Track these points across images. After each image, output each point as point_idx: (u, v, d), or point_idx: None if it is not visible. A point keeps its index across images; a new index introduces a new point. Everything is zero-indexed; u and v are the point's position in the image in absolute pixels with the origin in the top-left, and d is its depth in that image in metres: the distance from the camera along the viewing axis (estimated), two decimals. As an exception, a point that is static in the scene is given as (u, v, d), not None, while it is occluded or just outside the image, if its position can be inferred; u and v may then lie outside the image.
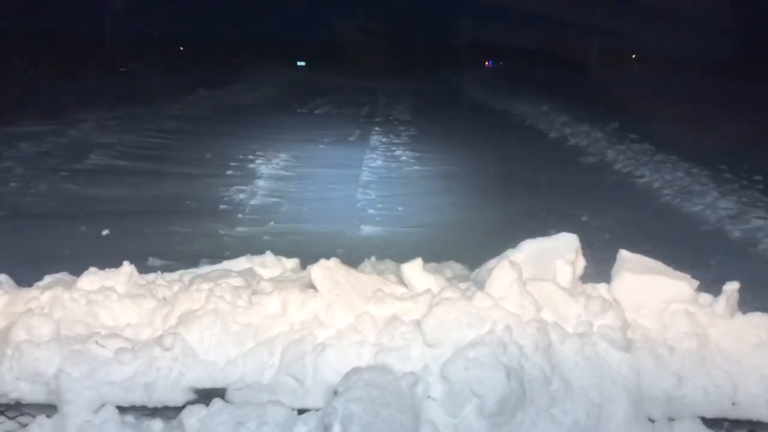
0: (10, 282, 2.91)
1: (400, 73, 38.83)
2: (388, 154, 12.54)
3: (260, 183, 9.30)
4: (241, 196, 8.43)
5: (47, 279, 2.98)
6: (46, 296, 2.65)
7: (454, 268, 3.67)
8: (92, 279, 2.79)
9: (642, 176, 10.27)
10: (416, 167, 11.16)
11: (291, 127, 15.68)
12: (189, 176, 9.80)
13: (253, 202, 8.13)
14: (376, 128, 16.19)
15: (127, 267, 2.86)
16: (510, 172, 10.70)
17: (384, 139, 14.36)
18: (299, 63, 44.94)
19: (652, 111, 17.29)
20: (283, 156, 11.50)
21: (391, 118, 18.96)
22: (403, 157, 12.08)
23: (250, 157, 11.31)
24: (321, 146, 13.20)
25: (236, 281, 2.82)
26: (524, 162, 11.88)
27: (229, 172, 10.10)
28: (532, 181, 10.02)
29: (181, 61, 38.40)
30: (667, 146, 11.97)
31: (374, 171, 10.72)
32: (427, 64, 43.78)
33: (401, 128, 16.40)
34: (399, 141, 14.21)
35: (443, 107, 23.00)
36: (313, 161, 11.45)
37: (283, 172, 10.27)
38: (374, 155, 12.27)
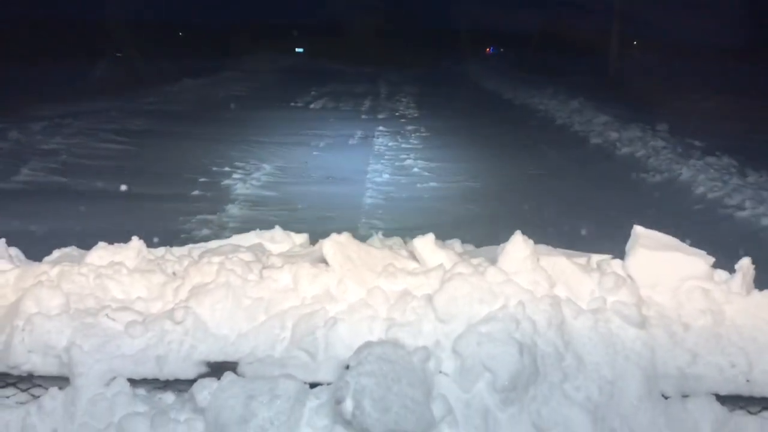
0: (21, 256, 2.91)
1: (401, 60, 36.90)
2: (397, 164, 10.55)
3: (233, 210, 7.50)
4: (204, 231, 6.58)
5: (56, 253, 2.97)
6: (55, 270, 2.64)
7: (456, 247, 3.61)
8: (101, 254, 2.78)
9: (741, 207, 7.48)
10: (432, 183, 9.24)
11: (281, 127, 13.81)
12: (141, 199, 7.71)
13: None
14: (380, 128, 14.30)
15: (136, 242, 2.84)
16: (555, 192, 8.36)
17: (390, 143, 12.51)
18: (297, 49, 42.96)
19: (699, 108, 15.36)
20: (266, 168, 9.66)
21: (397, 114, 17.05)
22: (415, 169, 10.16)
23: (227, 169, 9.38)
24: (315, 152, 11.35)
25: (246, 256, 2.81)
26: (569, 177, 9.46)
27: (196, 192, 8.16)
28: (594, 213, 7.35)
29: (178, 46, 35.81)
30: (755, 161, 9.26)
31: (380, 190, 8.72)
32: (429, 50, 41.78)
33: (409, 128, 14.46)
34: (408, 145, 12.37)
35: (454, 100, 20.68)
36: (303, 175, 9.47)
37: (265, 193, 8.37)
38: (379, 165, 10.35)
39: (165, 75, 21.30)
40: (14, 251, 2.88)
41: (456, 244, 3.30)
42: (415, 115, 17.12)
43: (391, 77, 28.86)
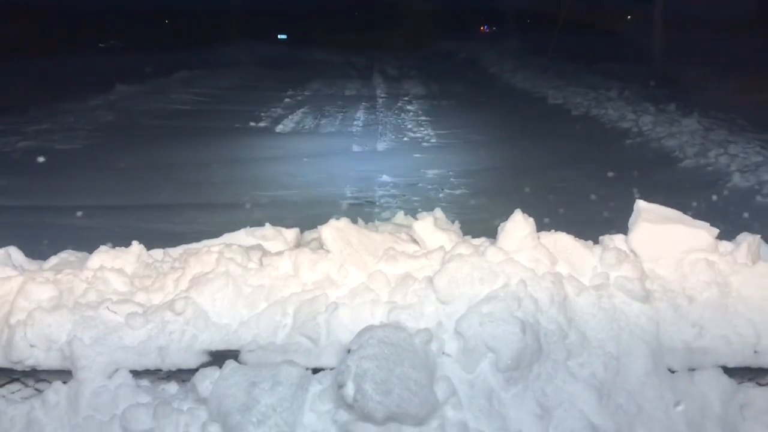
0: (25, 260, 2.86)
1: (394, 45, 32.22)
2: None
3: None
4: None
5: (53, 260, 2.90)
6: (57, 277, 2.60)
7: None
8: (102, 257, 2.72)
9: None
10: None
11: (209, 186, 7.67)
12: None
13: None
14: (384, 179, 8.07)
15: (137, 247, 2.78)
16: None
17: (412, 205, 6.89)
18: (280, 35, 38.26)
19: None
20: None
21: (406, 140, 10.75)
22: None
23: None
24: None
25: (248, 241, 2.80)
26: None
27: None
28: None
29: (159, 35, 32.73)
30: None
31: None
32: (426, 31, 37.76)
33: (434, 176, 8.29)
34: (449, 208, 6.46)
35: (479, 108, 14.38)
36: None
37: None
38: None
39: (99, 79, 16.01)
40: (19, 257, 2.85)
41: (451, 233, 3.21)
42: (436, 142, 10.69)
43: (387, 70, 23.88)
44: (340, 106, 14.88)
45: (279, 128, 12.01)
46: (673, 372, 2.34)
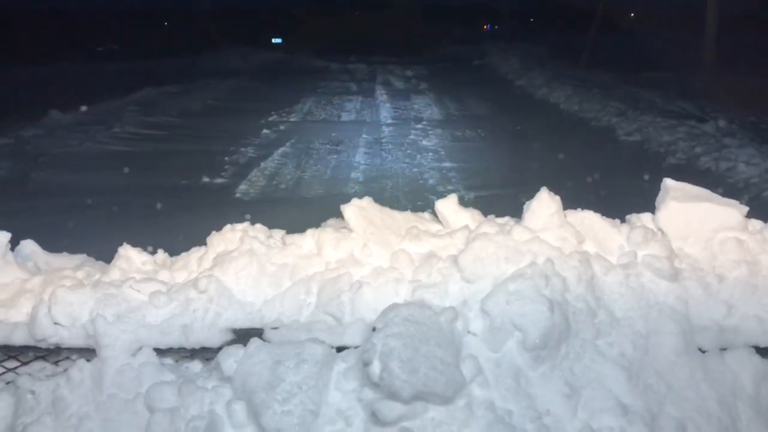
0: (41, 256, 2.80)
1: (397, 48, 29.35)
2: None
3: None
4: None
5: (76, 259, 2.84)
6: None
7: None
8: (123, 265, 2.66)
9: None
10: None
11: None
12: None
13: None
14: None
15: (162, 255, 2.71)
16: None
17: None
18: (275, 39, 35.33)
19: None
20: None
21: (433, 193, 7.71)
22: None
23: None
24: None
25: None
26: None
27: None
28: None
29: (157, 38, 31.07)
30: None
31: None
32: (430, 32, 34.86)
33: None
34: None
35: (517, 138, 11.34)
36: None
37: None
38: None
39: (38, 100, 13.35)
40: (33, 247, 2.82)
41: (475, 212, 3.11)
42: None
43: (392, 81, 20.48)
44: (334, 141, 11.06)
45: (241, 189, 8.13)
46: (703, 352, 2.30)
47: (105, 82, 16.83)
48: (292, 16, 39.17)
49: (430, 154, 10.07)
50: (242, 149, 10.39)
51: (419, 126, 12.70)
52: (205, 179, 8.46)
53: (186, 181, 8.42)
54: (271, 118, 13.48)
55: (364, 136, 11.66)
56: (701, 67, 17.33)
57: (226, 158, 9.70)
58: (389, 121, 13.49)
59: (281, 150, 10.36)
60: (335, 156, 10.01)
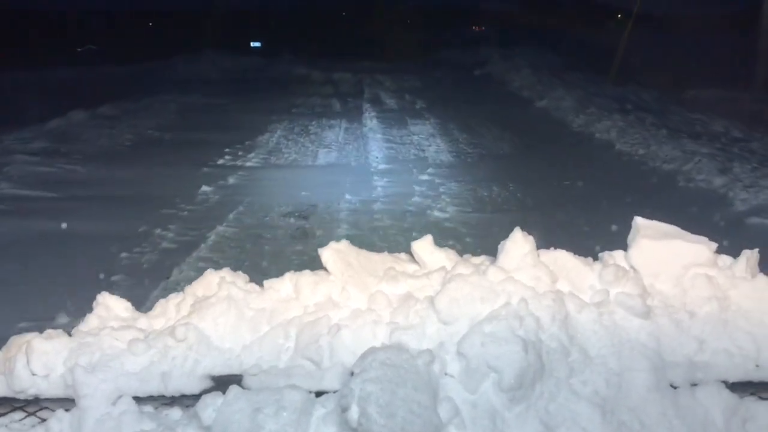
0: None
1: (386, 53, 26.28)
2: None
3: None
4: None
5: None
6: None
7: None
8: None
9: None
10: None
11: None
12: None
13: None
14: None
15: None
16: None
17: None
18: (253, 43, 32.77)
19: None
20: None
21: None
22: None
23: None
24: None
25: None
26: None
27: None
28: None
29: (139, 40, 28.45)
30: None
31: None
32: (417, 36, 31.48)
33: None
34: None
35: (573, 204, 7.46)
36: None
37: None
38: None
39: None
40: None
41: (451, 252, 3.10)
42: None
43: (383, 97, 17.25)
44: (302, 211, 7.32)
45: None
46: (675, 387, 2.34)
47: (43, 98, 14.34)
48: (274, 18, 36.15)
49: (450, 241, 6.03)
50: (156, 234, 6.40)
51: (424, 177, 8.98)
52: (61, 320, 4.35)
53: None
54: (221, 161, 9.97)
55: (347, 197, 7.96)
56: (752, 82, 14.51)
57: (122, 255, 5.86)
58: (382, 166, 9.84)
59: (217, 233, 6.49)
60: (300, 247, 6.17)
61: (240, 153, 10.64)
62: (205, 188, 8.23)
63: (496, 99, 16.67)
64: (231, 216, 7.14)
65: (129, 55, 22.98)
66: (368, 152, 10.99)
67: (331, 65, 23.27)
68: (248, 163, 10.07)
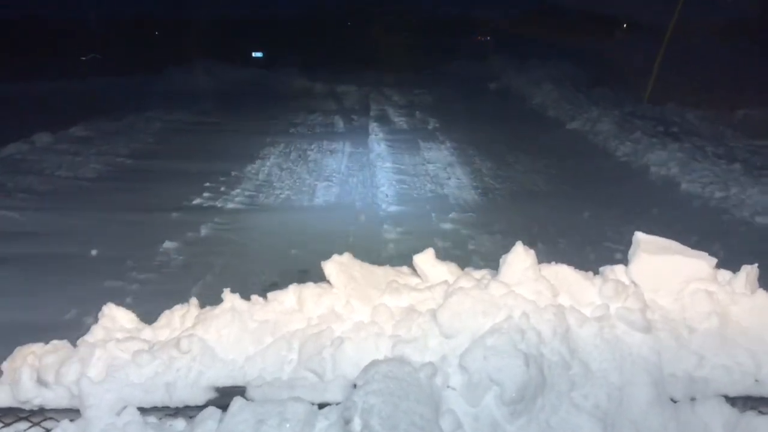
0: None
1: (393, 63, 24.90)
2: None
3: None
4: None
5: None
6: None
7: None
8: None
9: None
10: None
11: None
12: None
13: None
14: None
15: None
16: None
17: None
18: (255, 53, 31.73)
19: None
20: None
21: None
22: None
23: None
24: None
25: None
26: None
27: None
28: None
29: (143, 49, 27.78)
30: None
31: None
32: (422, 46, 30.55)
33: None
34: None
35: None
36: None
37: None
38: None
39: None
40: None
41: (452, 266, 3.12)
42: None
43: (392, 116, 15.39)
44: (290, 282, 2.84)
45: None
46: (675, 402, 2.36)
47: (15, 115, 13.29)
48: (278, 27, 35.04)
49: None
50: (84, 325, 4.31)
51: (447, 226, 7.27)
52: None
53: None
54: (197, 201, 8.25)
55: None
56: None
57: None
58: (393, 209, 8.09)
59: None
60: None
61: (222, 189, 8.82)
62: (167, 245, 6.53)
63: (518, 118, 14.93)
64: (193, 290, 5.39)
65: (131, 65, 22.31)
66: (376, 187, 9.07)
67: (335, 77, 22.08)
68: (230, 204, 8.18)
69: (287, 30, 34.49)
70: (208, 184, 9.06)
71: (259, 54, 31.15)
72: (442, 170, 10.18)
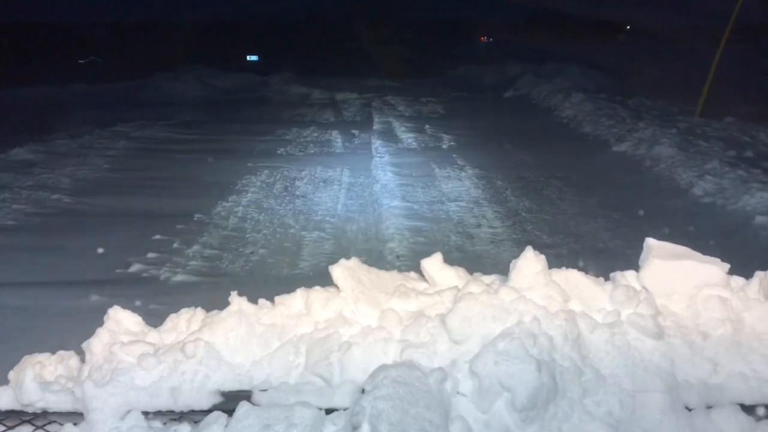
0: None
1: (397, 68, 23.52)
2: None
3: None
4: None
5: None
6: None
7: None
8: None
9: None
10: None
11: None
12: None
13: None
14: None
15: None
16: None
17: None
18: (250, 57, 30.93)
19: None
20: None
21: None
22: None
23: None
24: None
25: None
26: None
27: None
28: None
29: (143, 52, 27.23)
30: None
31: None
32: (425, 49, 29.45)
33: None
34: None
35: None
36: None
37: None
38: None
39: None
40: None
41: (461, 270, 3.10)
42: None
43: (399, 134, 13.28)
44: None
45: None
46: (690, 410, 2.32)
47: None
48: (276, 29, 34.19)
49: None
50: None
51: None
52: None
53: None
54: (134, 268, 6.23)
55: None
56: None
57: None
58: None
59: None
60: None
61: (175, 245, 6.72)
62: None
63: (549, 135, 12.67)
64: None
65: (120, 70, 21.70)
66: (383, 242, 7.07)
67: (334, 83, 20.80)
68: (178, 276, 6.00)
69: (286, 33, 33.68)
70: (158, 237, 6.91)
71: (254, 57, 30.26)
72: (468, 212, 8.12)
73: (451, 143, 12.27)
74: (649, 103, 14.99)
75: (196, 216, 7.55)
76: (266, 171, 9.89)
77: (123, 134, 12.63)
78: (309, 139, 12.84)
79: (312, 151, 11.66)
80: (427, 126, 14.08)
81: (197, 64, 23.12)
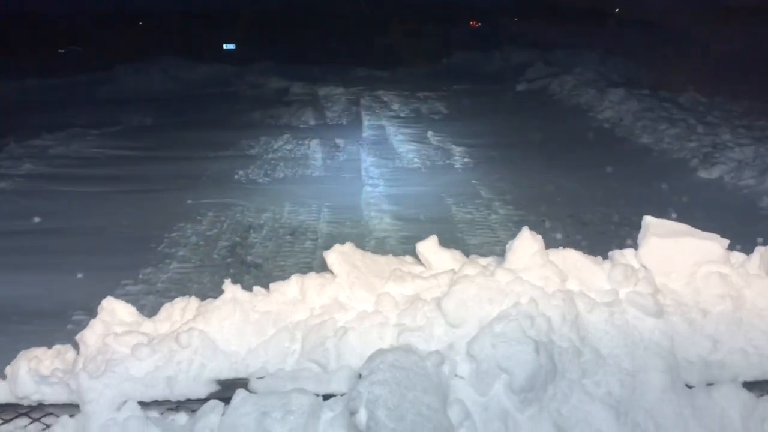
0: None
1: (390, 57, 21.07)
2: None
3: None
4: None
5: None
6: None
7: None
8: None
9: None
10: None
11: None
12: None
13: None
14: None
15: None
16: None
17: None
18: (227, 45, 28.41)
19: None
20: None
21: None
22: None
23: None
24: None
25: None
26: None
27: None
28: None
29: (123, 40, 25.71)
30: None
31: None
32: (416, 34, 26.74)
33: None
34: None
35: None
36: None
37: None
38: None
39: None
40: None
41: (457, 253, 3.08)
42: None
43: (396, 144, 10.65)
44: None
45: None
46: (690, 387, 2.30)
47: None
48: (257, 15, 31.84)
49: None
50: None
51: None
52: None
53: None
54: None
55: None
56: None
57: None
58: None
59: None
60: None
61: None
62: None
63: (596, 150, 9.43)
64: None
65: (86, 62, 20.27)
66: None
67: (317, 74, 18.48)
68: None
69: (267, 19, 31.29)
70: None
71: (231, 46, 27.86)
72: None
73: (465, 159, 9.42)
74: (704, 100, 11.96)
75: (71, 322, 4.27)
76: (210, 214, 7.04)
77: (39, 151, 9.70)
78: (279, 154, 9.96)
79: (281, 175, 8.70)
80: (429, 133, 11.27)
81: (166, 54, 20.81)
